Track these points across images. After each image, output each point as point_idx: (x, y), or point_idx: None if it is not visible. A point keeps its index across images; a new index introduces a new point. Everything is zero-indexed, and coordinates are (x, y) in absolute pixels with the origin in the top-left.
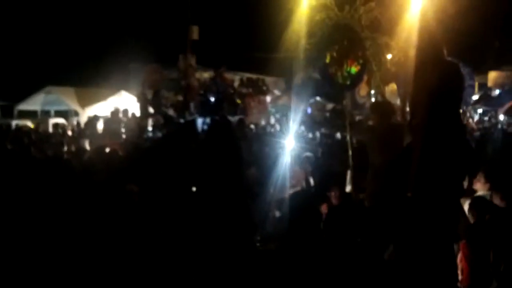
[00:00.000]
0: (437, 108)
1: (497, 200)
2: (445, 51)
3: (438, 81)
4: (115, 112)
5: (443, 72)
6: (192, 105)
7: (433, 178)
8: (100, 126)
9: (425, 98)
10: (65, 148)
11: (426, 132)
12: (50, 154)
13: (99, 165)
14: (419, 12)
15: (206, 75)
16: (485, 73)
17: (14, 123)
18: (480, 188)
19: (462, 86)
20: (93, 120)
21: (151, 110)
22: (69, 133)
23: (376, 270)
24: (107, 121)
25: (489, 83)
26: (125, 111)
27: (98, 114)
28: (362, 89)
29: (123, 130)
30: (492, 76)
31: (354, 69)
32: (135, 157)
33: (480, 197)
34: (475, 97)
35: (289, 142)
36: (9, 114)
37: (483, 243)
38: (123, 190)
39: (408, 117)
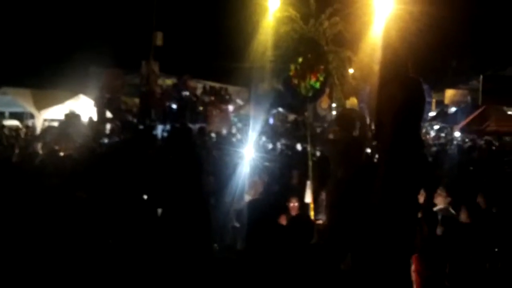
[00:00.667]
0: (400, 122)
1: (464, 215)
2: (409, 67)
3: (402, 96)
4: (69, 116)
5: (406, 87)
6: (153, 111)
7: (392, 190)
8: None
9: (389, 113)
10: (17, 151)
11: (389, 146)
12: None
13: (50, 169)
14: (382, 29)
15: (169, 82)
16: (442, 91)
17: None
18: (440, 202)
19: (423, 101)
20: (50, 127)
21: (109, 115)
22: (22, 135)
23: (332, 279)
24: (60, 125)
25: (446, 101)
26: (77, 116)
27: (54, 118)
28: (324, 102)
29: (77, 134)
30: (449, 94)
31: (316, 82)
32: (89, 162)
33: (431, 210)
34: (432, 114)
35: (249, 152)
36: None
37: (435, 256)
38: (73, 196)
39: (370, 131)
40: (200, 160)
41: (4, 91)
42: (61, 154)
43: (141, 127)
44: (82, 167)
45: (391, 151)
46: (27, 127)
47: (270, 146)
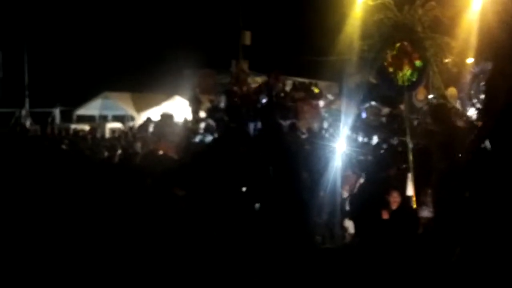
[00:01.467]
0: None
1: None
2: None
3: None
4: (164, 116)
5: None
6: (243, 109)
7: (503, 179)
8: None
9: (503, 98)
10: (119, 152)
11: (500, 131)
12: (103, 156)
13: (149, 168)
14: (479, 12)
15: (259, 80)
16: None
17: (72, 127)
18: None
19: None
20: (145, 123)
21: (203, 114)
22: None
23: (442, 272)
24: (157, 125)
25: None
26: (171, 116)
27: (151, 118)
28: (420, 93)
29: (172, 134)
30: None
31: (414, 71)
32: (185, 160)
33: None
34: None
35: (341, 146)
36: (68, 118)
37: None
38: (170, 194)
39: (475, 119)
40: (292, 156)
41: (106, 95)
42: (159, 153)
43: (232, 125)
44: (178, 165)
45: (499, 136)
46: (130, 128)
47: (364, 140)
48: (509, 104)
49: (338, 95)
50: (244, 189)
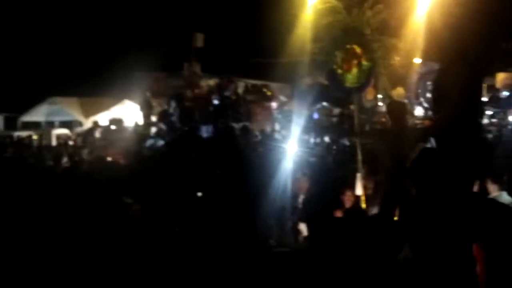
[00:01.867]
0: (464, 102)
1: None
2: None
3: (468, 76)
4: (113, 121)
5: (471, 68)
6: (196, 113)
7: (451, 175)
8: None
9: (454, 91)
10: (65, 159)
11: (449, 129)
12: (48, 164)
13: (97, 176)
14: (425, 14)
15: (211, 82)
16: (493, 75)
17: (16, 134)
18: (493, 190)
19: (481, 85)
20: (91, 129)
21: (153, 118)
22: (71, 143)
23: (390, 270)
24: (104, 131)
25: (497, 85)
26: (120, 121)
27: (98, 122)
28: (369, 93)
29: (121, 139)
30: (500, 77)
31: (362, 72)
32: (136, 166)
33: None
34: (484, 99)
35: (294, 148)
36: (13, 125)
37: (498, 244)
38: (118, 202)
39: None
40: (244, 158)
41: (53, 100)
42: (108, 159)
43: (184, 129)
44: (127, 172)
45: (452, 133)
46: (78, 135)
47: (314, 141)
48: (456, 102)
49: (291, 97)
50: (198, 194)
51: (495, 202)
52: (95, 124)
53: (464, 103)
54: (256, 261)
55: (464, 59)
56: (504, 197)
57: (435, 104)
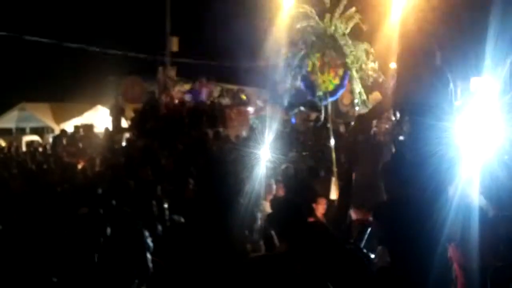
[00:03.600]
0: (427, 108)
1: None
2: (435, 56)
3: (430, 82)
4: (81, 127)
5: (432, 77)
6: (170, 119)
7: (424, 179)
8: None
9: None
10: (33, 167)
11: (414, 131)
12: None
13: (63, 184)
14: (399, 19)
15: (187, 87)
16: (467, 79)
17: None
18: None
19: (448, 91)
20: (59, 136)
21: (125, 124)
22: (41, 150)
23: (367, 274)
24: (71, 137)
25: (472, 89)
26: (89, 127)
27: (66, 130)
28: (345, 98)
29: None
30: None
31: (336, 77)
32: (102, 173)
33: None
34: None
35: (267, 154)
36: None
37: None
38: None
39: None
40: (216, 165)
41: (23, 106)
42: (78, 166)
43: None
44: (91, 182)
45: (415, 137)
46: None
47: (290, 147)
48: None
49: (268, 102)
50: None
51: (469, 204)
52: (62, 132)
53: (427, 108)
54: (232, 267)
55: (434, 64)
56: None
57: (397, 109)
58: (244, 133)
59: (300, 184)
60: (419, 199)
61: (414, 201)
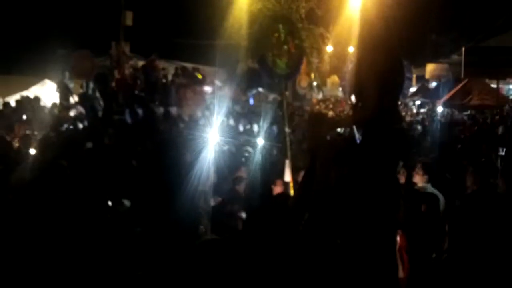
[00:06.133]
0: (381, 95)
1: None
2: (394, 41)
3: (383, 68)
4: (22, 101)
5: (387, 59)
6: (120, 96)
7: (370, 164)
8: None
9: (370, 85)
10: None
11: (367, 119)
12: None
13: None
14: (359, 4)
15: (141, 63)
16: (422, 65)
17: None
18: (419, 181)
19: (403, 75)
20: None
21: (72, 100)
22: None
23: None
24: (12, 111)
25: (427, 75)
26: (31, 101)
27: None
28: (303, 80)
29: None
30: (430, 68)
31: (291, 60)
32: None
33: (411, 188)
34: (413, 89)
35: (221, 135)
36: None
37: (420, 232)
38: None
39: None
40: (163, 146)
41: None
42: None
43: (103, 113)
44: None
45: (369, 124)
46: None
47: (244, 128)
48: (374, 92)
49: (226, 82)
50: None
51: (417, 191)
52: (5, 106)
53: (382, 93)
54: (184, 249)
55: (391, 48)
56: (429, 189)
57: (354, 93)
58: (199, 113)
59: (262, 166)
60: None
61: None
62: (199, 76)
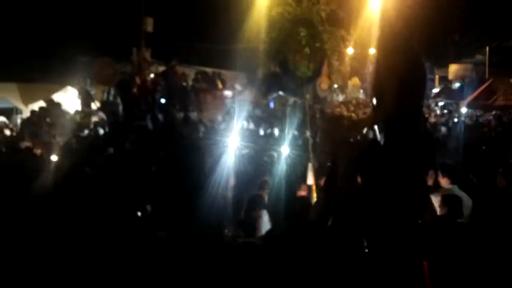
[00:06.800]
0: (403, 95)
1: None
2: (413, 42)
3: (404, 70)
4: (44, 107)
5: (408, 60)
6: (142, 101)
7: (394, 165)
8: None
9: (391, 86)
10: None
11: (390, 120)
12: None
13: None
14: (379, 5)
15: (162, 69)
16: (445, 66)
17: None
18: (444, 183)
19: (425, 76)
20: (30, 118)
21: (94, 106)
22: (7, 132)
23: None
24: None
25: (450, 76)
26: (54, 106)
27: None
28: (324, 83)
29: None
30: (453, 69)
31: (312, 63)
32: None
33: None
34: (436, 90)
35: (242, 139)
36: None
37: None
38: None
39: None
40: (183, 151)
41: None
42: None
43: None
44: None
45: (391, 126)
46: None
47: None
48: (396, 93)
49: (246, 86)
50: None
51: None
52: (32, 113)
53: (403, 94)
54: (214, 252)
55: (412, 49)
56: (455, 191)
57: (375, 95)
58: (220, 118)
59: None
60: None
61: None
62: (219, 81)
